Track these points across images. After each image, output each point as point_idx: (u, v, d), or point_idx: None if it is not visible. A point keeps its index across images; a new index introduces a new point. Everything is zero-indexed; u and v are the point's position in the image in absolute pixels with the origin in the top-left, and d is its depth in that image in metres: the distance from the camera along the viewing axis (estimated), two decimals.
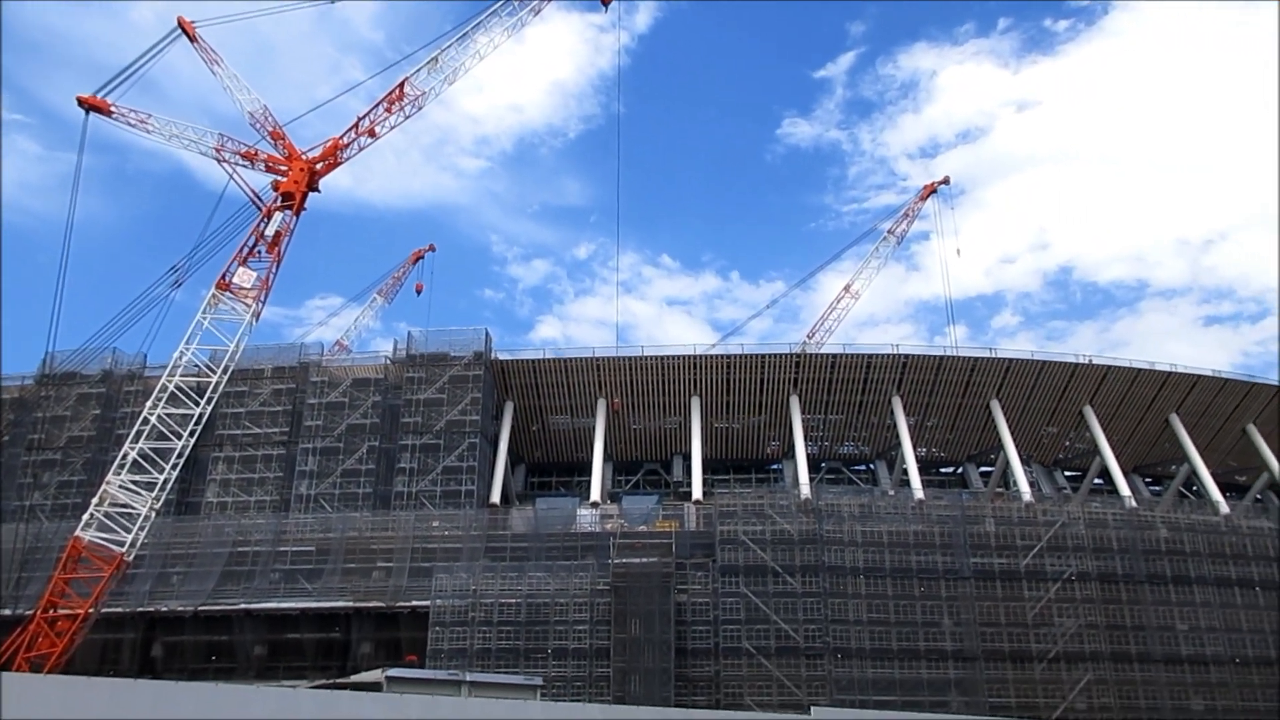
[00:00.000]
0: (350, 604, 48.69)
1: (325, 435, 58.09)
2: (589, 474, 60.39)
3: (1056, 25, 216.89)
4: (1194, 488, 66.21)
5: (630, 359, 62.85)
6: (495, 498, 57.19)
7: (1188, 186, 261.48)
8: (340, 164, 48.43)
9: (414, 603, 47.69)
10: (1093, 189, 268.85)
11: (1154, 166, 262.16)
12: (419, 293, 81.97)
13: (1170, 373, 64.99)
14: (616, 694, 43.34)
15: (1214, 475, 62.72)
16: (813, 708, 21.99)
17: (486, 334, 60.85)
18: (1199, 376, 65.67)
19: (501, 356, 62.81)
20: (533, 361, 63.53)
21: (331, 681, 30.97)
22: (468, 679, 25.09)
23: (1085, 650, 48.22)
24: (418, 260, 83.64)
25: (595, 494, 57.97)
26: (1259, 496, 68.18)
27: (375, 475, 57.10)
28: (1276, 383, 68.48)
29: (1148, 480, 72.31)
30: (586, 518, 55.34)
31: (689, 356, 62.78)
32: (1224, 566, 52.39)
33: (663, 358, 62.83)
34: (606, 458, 63.30)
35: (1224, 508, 58.81)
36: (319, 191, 48.12)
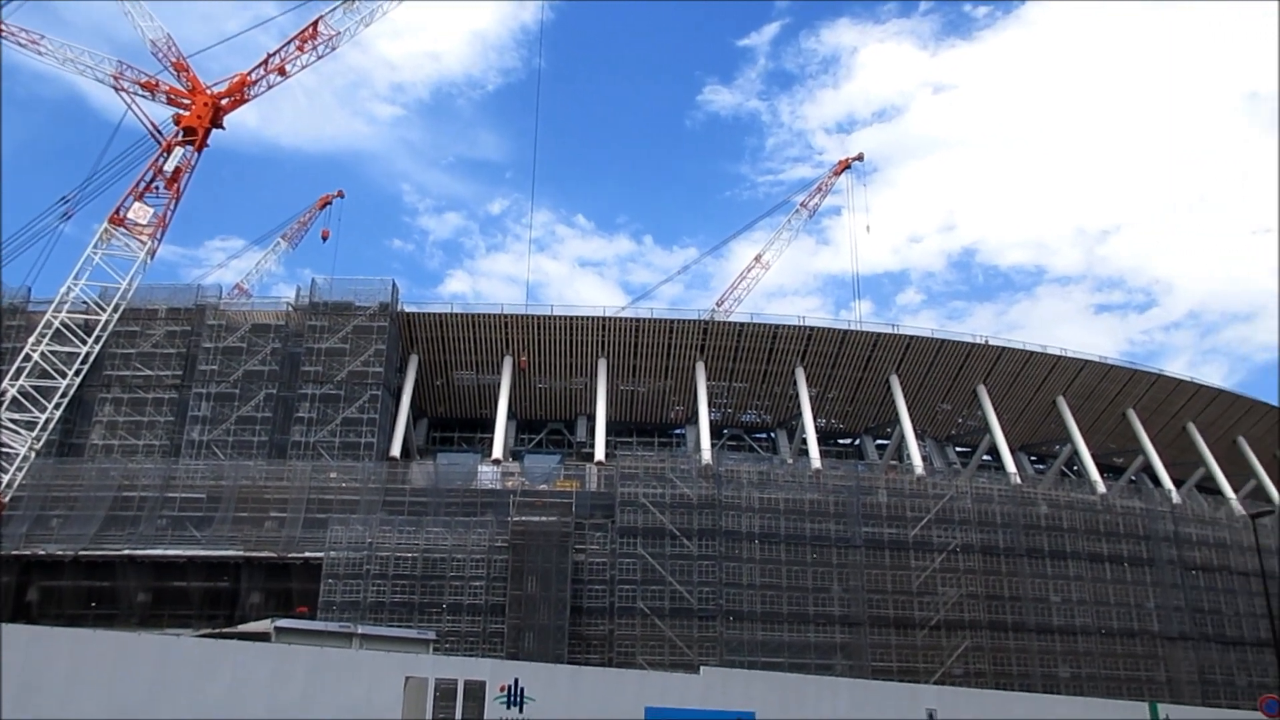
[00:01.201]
0: (240, 553, 47.59)
1: (220, 380, 56.41)
2: (492, 431, 60.00)
3: (976, 11, 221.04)
4: (1075, 467, 69.16)
5: (539, 318, 62.48)
6: (395, 451, 56.43)
7: (1089, 178, 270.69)
8: (247, 101, 46.74)
9: (307, 554, 46.88)
10: (1001, 175, 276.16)
11: (1059, 156, 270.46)
12: (325, 239, 79.93)
13: (1060, 357, 67.49)
14: (510, 650, 43.48)
15: (1094, 456, 65.59)
16: (702, 668, 22.43)
17: (393, 285, 59.73)
18: (1086, 362, 68.37)
19: (408, 308, 61.77)
20: (440, 315, 62.65)
21: (218, 631, 30.29)
22: (359, 631, 24.79)
23: (965, 619, 50.24)
24: (325, 206, 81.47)
25: (497, 451, 57.69)
26: (1133, 478, 71.61)
27: (272, 423, 55.75)
28: (1155, 370, 71.97)
29: (1033, 459, 75.28)
30: (487, 474, 55.08)
31: (598, 318, 62.73)
32: (1097, 543, 55.10)
33: (571, 318, 62.60)
34: (510, 415, 62.99)
35: (1101, 487, 61.60)
36: (223, 128, 46.38)
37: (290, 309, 60.39)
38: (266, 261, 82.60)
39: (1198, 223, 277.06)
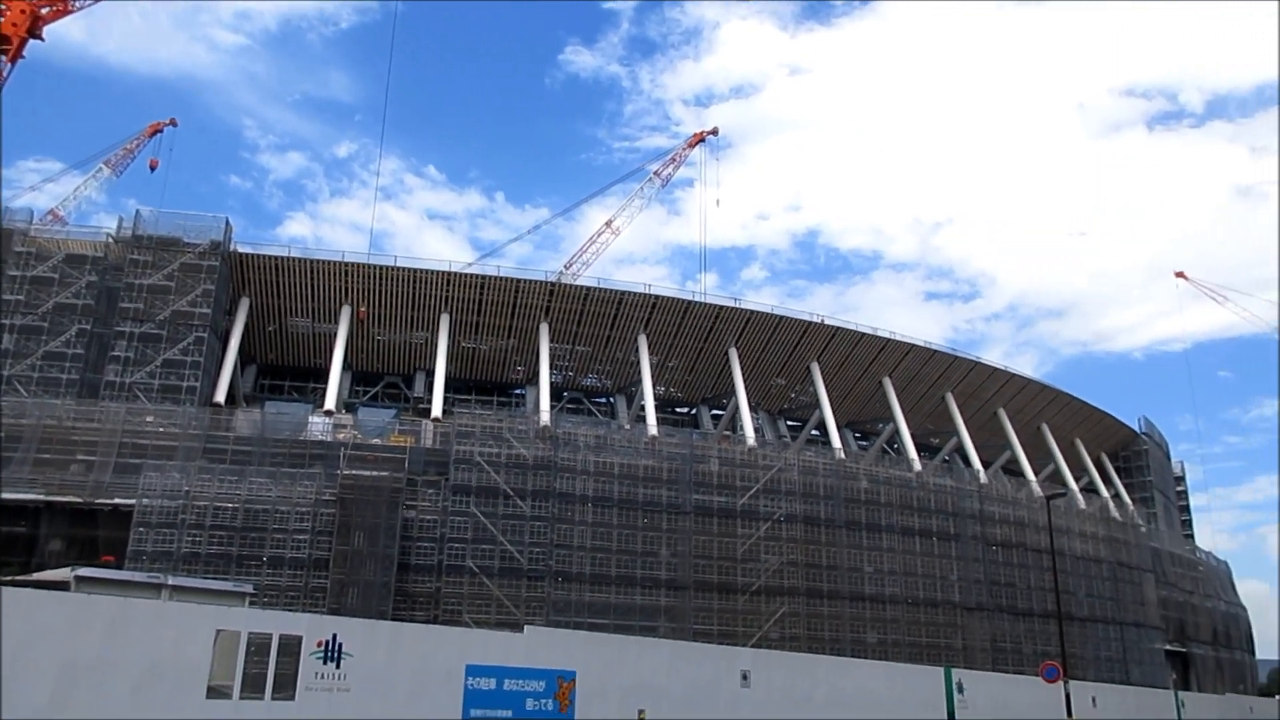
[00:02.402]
0: (41, 497, 44.54)
1: (27, 312, 52.34)
2: (325, 381, 58.10)
3: None
4: (895, 445, 72.77)
5: (381, 268, 60.65)
6: (220, 397, 53.88)
7: (928, 171, 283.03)
8: (72, 12, 43.43)
9: (117, 500, 44.31)
10: (847, 160, 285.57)
11: (902, 148, 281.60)
12: (153, 169, 75.34)
13: (888, 340, 70.64)
14: (332, 605, 42.49)
15: (913, 436, 69.17)
16: (526, 627, 22.54)
17: (227, 223, 56.72)
18: (912, 346, 71.82)
19: (242, 249, 58.81)
20: (276, 258, 59.89)
21: (12, 579, 28.33)
22: (169, 582, 23.65)
23: (784, 585, 52.38)
24: (155, 134, 76.59)
25: (330, 402, 55.96)
26: (947, 458, 75.98)
27: (84, 361, 52.16)
28: (973, 358, 76.32)
29: (857, 435, 78.77)
30: (318, 426, 53.35)
31: (443, 272, 61.41)
32: (910, 518, 58.41)
33: (415, 270, 61.06)
34: (346, 366, 61.18)
35: (917, 465, 65.15)
36: (42, 39, 42.83)
37: (111, 240, 56.45)
38: (86, 188, 77.10)
39: (1022, 222, 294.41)
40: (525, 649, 19.89)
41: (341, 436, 51.27)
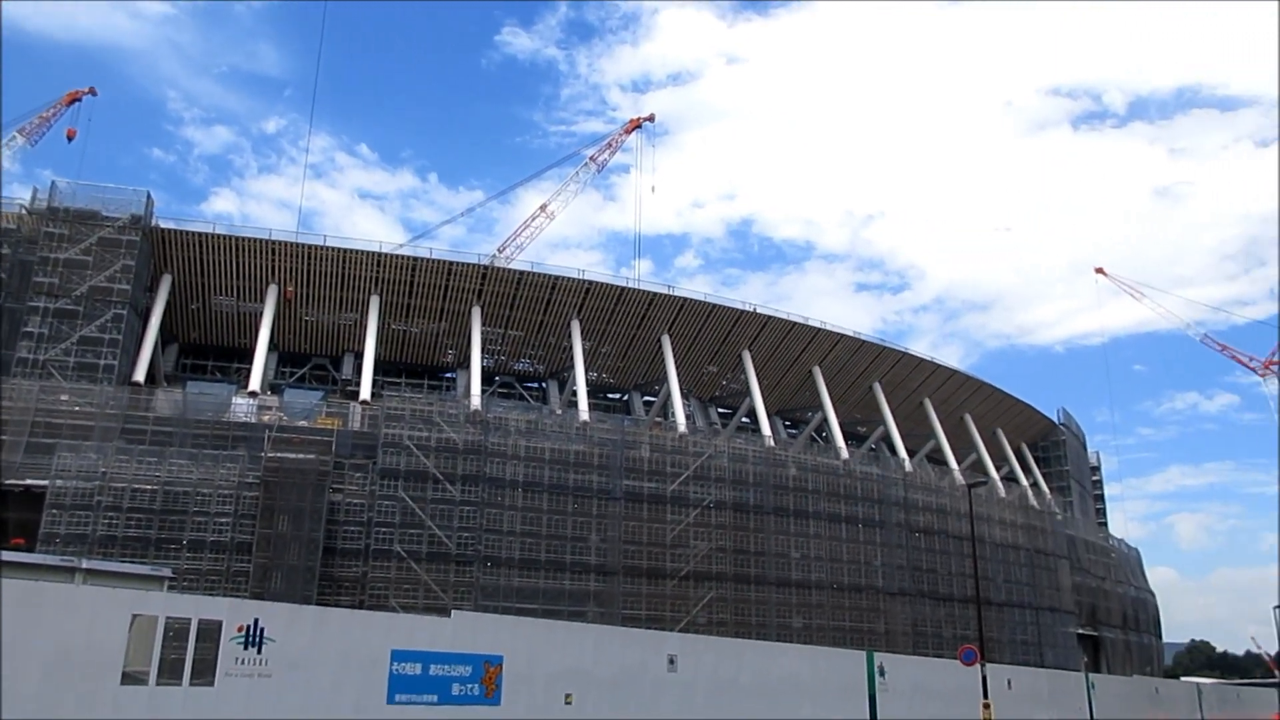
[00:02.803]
0: None
1: None
2: (250, 362, 56.79)
3: None
4: (823, 433, 73.78)
5: (310, 247, 59.36)
6: (139, 376, 52.37)
7: (861, 164, 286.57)
8: None
9: (29, 481, 42.90)
10: (782, 151, 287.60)
11: (836, 141, 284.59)
12: (71, 139, 72.51)
13: (819, 329, 71.45)
14: (255, 590, 41.77)
15: (841, 424, 70.17)
16: (454, 611, 22.42)
17: (149, 197, 54.97)
18: (842, 336, 72.78)
19: (164, 224, 57.07)
20: (200, 235, 58.27)
21: None
22: (84, 566, 22.99)
23: (712, 571, 52.94)
24: (73, 102, 73.67)
25: (255, 383, 54.75)
26: (873, 447, 77.34)
27: None
28: (901, 349, 77.67)
29: (787, 423, 79.72)
30: (242, 407, 52.22)
31: (374, 253, 60.34)
32: (837, 504, 59.46)
33: (345, 251, 59.89)
34: (272, 347, 59.94)
35: (844, 453, 66.18)
36: None
37: (24, 212, 54.39)
38: None
39: (951, 216, 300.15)
40: (452, 634, 19.75)
41: (266, 418, 50.29)
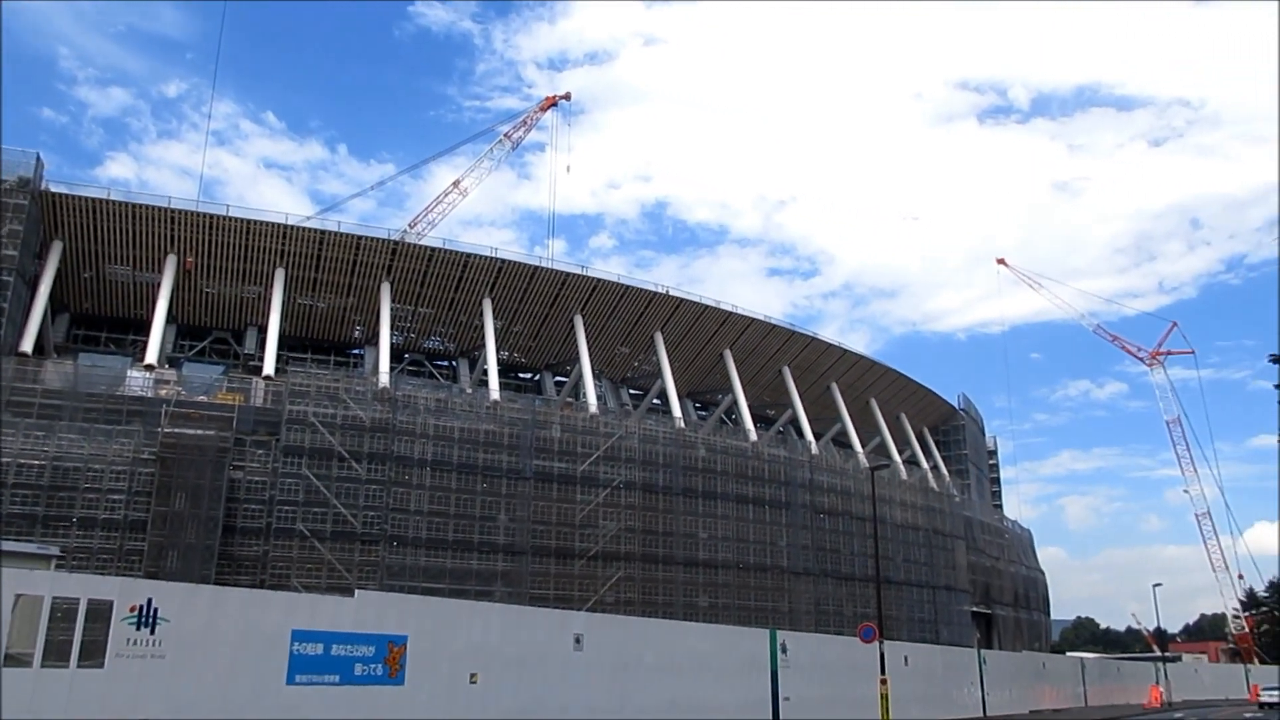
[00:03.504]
0: None
1: None
2: (147, 333, 54.77)
3: None
4: (733, 416, 74.63)
5: (212, 217, 57.34)
6: (27, 346, 50.05)
7: (774, 149, 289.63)
8: None
9: None
10: (697, 134, 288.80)
11: (750, 125, 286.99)
12: None
13: (730, 313, 72.12)
14: (150, 569, 40.49)
15: (750, 407, 71.04)
16: (357, 591, 22.11)
17: (38, 159, 52.38)
18: (753, 320, 73.58)
19: (55, 188, 54.40)
20: (94, 200, 55.72)
21: None
22: None
23: (621, 550, 53.26)
24: None
25: (151, 356, 52.84)
26: (781, 430, 78.56)
27: None
28: (810, 334, 78.99)
29: (697, 405, 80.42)
30: (138, 380, 50.35)
31: (279, 225, 58.60)
32: (744, 486, 60.34)
33: (249, 221, 58.03)
34: (170, 319, 57.91)
35: (753, 436, 67.06)
36: None
37: None
38: None
39: (861, 204, 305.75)
40: (355, 614, 19.48)
41: (164, 393, 48.58)
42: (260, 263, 58.98)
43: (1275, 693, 63.82)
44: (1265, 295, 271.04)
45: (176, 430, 43.92)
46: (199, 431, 44.35)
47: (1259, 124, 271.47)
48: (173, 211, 56.39)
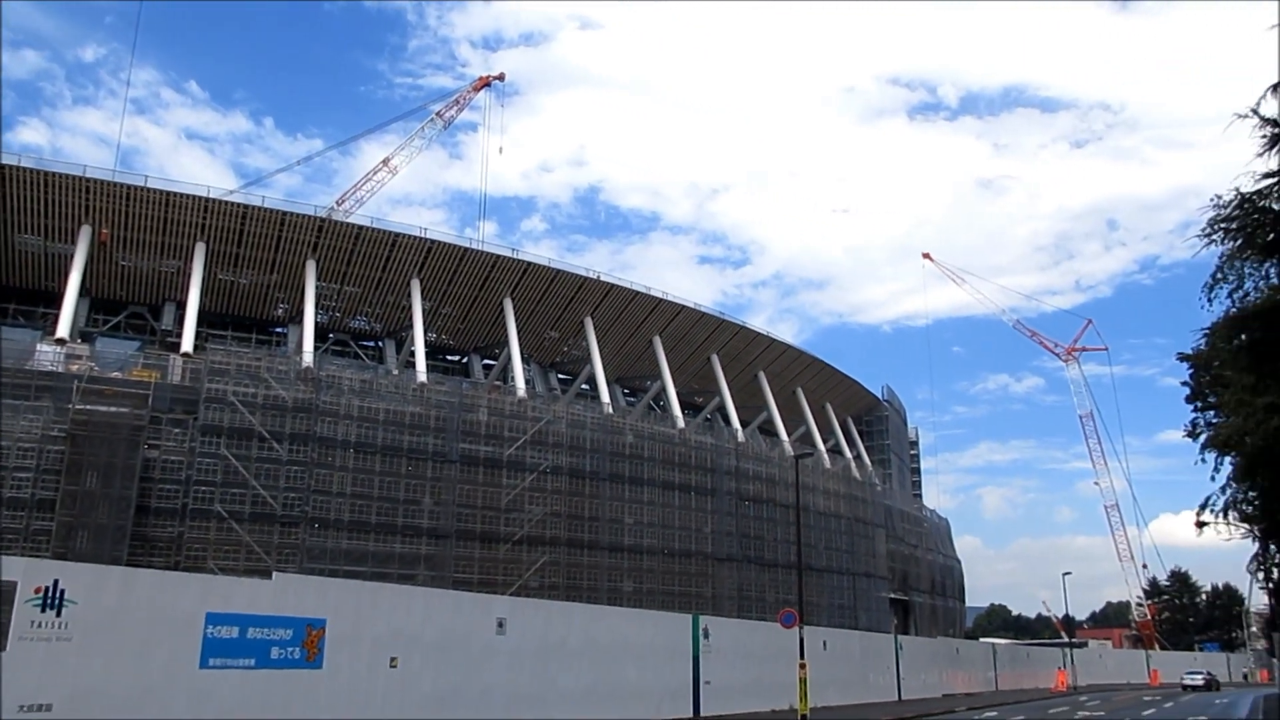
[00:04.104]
0: None
1: None
2: (58, 307, 52.92)
3: None
4: (661, 402, 74.95)
5: (130, 188, 55.44)
6: None
7: (707, 138, 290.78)
8: None
9: None
10: (632, 120, 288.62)
11: (684, 113, 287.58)
12: None
13: (660, 300, 72.25)
14: (58, 550, 39.26)
15: (679, 394, 71.42)
16: (275, 573, 21.70)
17: None
18: (683, 307, 73.84)
19: None
20: (4, 167, 53.39)
21: None
22: None
23: (546, 535, 53.18)
24: None
25: (63, 330, 51.08)
26: (709, 417, 79.13)
27: None
28: (739, 322, 79.56)
29: (626, 391, 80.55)
30: (48, 355, 48.63)
31: (200, 198, 56.94)
32: (671, 472, 60.67)
33: (169, 193, 56.26)
34: (83, 292, 56.01)
35: (680, 423, 67.46)
36: None
37: None
38: None
39: (791, 195, 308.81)
40: (273, 596, 19.09)
41: (75, 368, 47.02)
42: (180, 236, 57.30)
43: (1198, 676, 71.88)
44: (1176, 295, 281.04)
45: (88, 407, 42.54)
46: (112, 409, 43.04)
47: (1174, 129, 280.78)
48: (88, 180, 54.45)
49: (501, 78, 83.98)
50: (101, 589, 16.72)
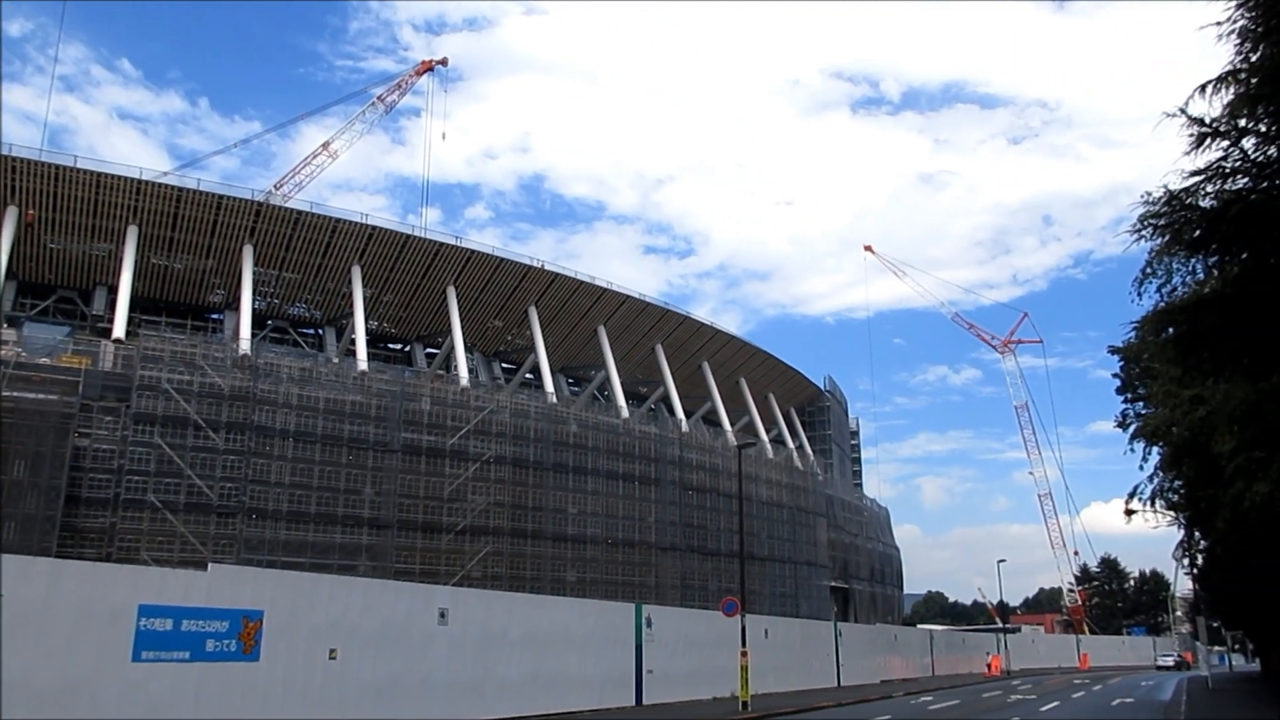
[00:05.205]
0: None
1: None
2: None
3: None
4: (605, 392, 74.88)
5: (58, 168, 53.75)
6: None
7: (653, 127, 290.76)
8: None
9: None
10: (577, 108, 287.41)
11: (630, 102, 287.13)
12: None
13: (605, 289, 72.12)
14: None
15: (623, 384, 71.40)
16: (210, 565, 21.27)
17: None
18: (627, 297, 73.78)
19: None
20: None
21: None
22: None
23: (490, 525, 52.83)
24: None
25: None
26: (653, 407, 79.23)
27: None
28: (683, 313, 79.76)
29: (570, 380, 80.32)
30: None
31: (132, 180, 55.39)
32: (615, 462, 60.65)
33: (99, 175, 54.63)
34: (10, 275, 54.30)
35: (625, 413, 67.47)
36: None
37: None
38: None
39: (736, 186, 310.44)
40: (208, 588, 18.70)
41: (1, 354, 45.55)
42: (111, 219, 55.76)
43: (1170, 658, 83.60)
44: (1108, 290, 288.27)
45: (15, 394, 41.25)
46: (40, 395, 41.82)
47: (1108, 127, 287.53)
48: (13, 160, 52.65)
49: (445, 62, 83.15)
50: (28, 580, 16.24)
